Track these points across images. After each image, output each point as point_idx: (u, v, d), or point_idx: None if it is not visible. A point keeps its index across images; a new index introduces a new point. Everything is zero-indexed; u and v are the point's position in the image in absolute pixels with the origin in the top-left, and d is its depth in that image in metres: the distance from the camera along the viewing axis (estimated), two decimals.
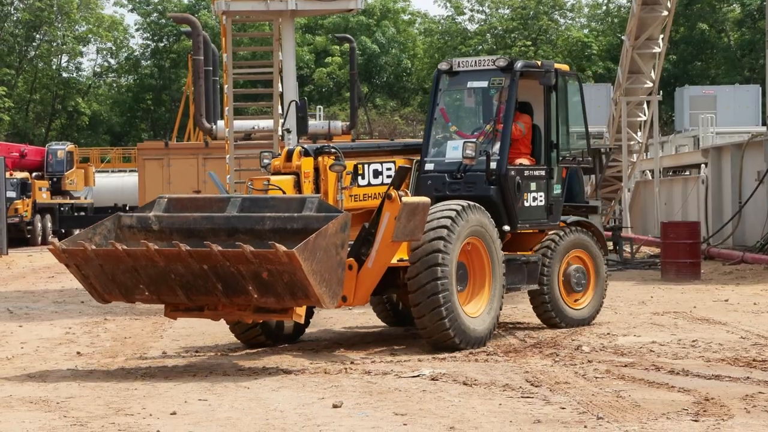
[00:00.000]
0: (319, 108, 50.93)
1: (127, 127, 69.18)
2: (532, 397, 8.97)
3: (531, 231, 13.11)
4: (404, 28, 67.69)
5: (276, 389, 9.57)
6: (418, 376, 10.08)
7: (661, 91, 28.52)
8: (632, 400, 8.78)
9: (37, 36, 65.25)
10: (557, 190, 13.32)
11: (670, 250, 20.14)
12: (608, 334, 12.70)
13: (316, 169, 11.97)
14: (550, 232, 13.26)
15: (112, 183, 46.06)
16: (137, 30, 69.69)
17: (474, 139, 12.56)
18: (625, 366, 10.43)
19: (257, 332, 12.03)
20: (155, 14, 67.32)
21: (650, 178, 30.95)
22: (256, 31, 41.44)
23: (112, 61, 70.88)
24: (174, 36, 65.51)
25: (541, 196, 13.02)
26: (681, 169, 34.64)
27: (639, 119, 28.48)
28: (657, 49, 26.70)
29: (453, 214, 11.56)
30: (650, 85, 27.37)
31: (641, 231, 28.64)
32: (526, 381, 9.70)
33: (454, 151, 12.78)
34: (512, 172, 12.66)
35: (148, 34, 68.72)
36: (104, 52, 70.36)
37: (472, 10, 66.51)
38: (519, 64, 12.84)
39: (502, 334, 12.79)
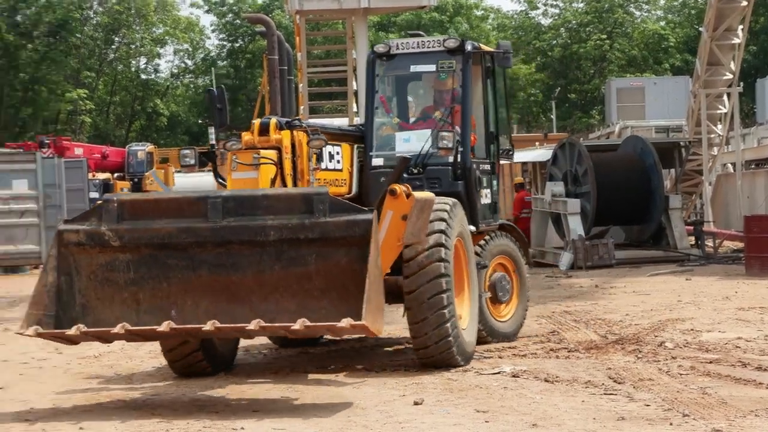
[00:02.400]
0: None
1: (204, 127, 69.84)
2: (616, 394, 8.87)
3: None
4: (477, 24, 67.40)
5: (357, 386, 9.58)
6: (498, 372, 10.03)
7: (741, 83, 28.03)
8: (719, 397, 8.64)
9: (116, 39, 66.12)
10: (496, 186, 12.28)
11: (755, 244, 19.79)
12: (692, 330, 12.51)
13: (293, 145, 10.38)
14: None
15: (191, 183, 46.34)
16: (213, 31, 70.41)
17: (449, 129, 11.21)
18: (711, 362, 10.26)
19: (198, 357, 10.25)
20: (230, 15, 67.83)
21: (732, 171, 30.47)
22: (329, 30, 41.63)
23: (189, 62, 71.58)
24: (249, 36, 65.96)
25: (488, 193, 11.94)
26: (764, 162, 34.03)
27: (719, 112, 28.03)
28: (736, 40, 26.25)
29: (445, 215, 10.31)
30: (730, 76, 26.92)
31: (724, 225, 28.18)
32: (609, 378, 9.59)
33: (406, 143, 11.70)
34: (474, 166, 11.50)
35: (224, 35, 69.26)
36: (181, 54, 71.08)
37: (545, 5, 66.11)
38: (471, 45, 11.71)
39: (579, 329, 12.68)
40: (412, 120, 12.20)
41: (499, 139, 12.21)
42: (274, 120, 10.32)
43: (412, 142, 11.61)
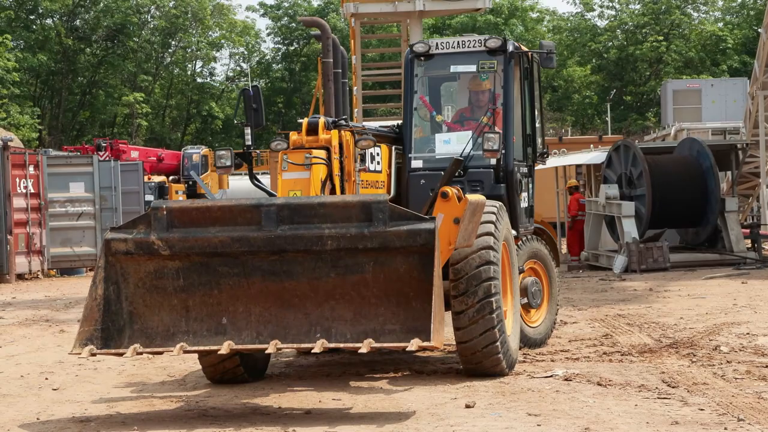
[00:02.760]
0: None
1: (258, 130, 70.10)
2: (669, 398, 8.79)
3: None
4: (533, 26, 67.16)
5: (408, 389, 9.57)
6: (551, 376, 9.97)
7: None
8: None
9: (173, 43, 66.68)
10: (532, 189, 11.98)
11: None
12: (748, 333, 12.38)
13: (340, 145, 10.08)
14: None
15: (245, 186, 46.62)
16: (268, 34, 70.72)
17: (497, 131, 10.78)
18: (766, 367, 10.13)
19: (239, 372, 9.94)
20: (286, 18, 68.21)
21: None
22: (384, 33, 41.65)
23: (245, 66, 72.01)
24: (304, 39, 66.27)
25: (526, 197, 11.67)
26: None
27: None
28: None
29: (494, 217, 10.03)
30: None
31: None
32: (663, 382, 9.51)
33: (446, 145, 11.32)
34: (515, 169, 11.19)
35: (279, 38, 69.66)
36: (237, 57, 71.57)
37: (601, 6, 65.66)
38: (512, 45, 11.35)
39: (631, 332, 12.59)
40: (455, 121, 11.83)
41: (536, 142, 11.98)
42: (322, 119, 10.07)
43: (453, 144, 11.29)
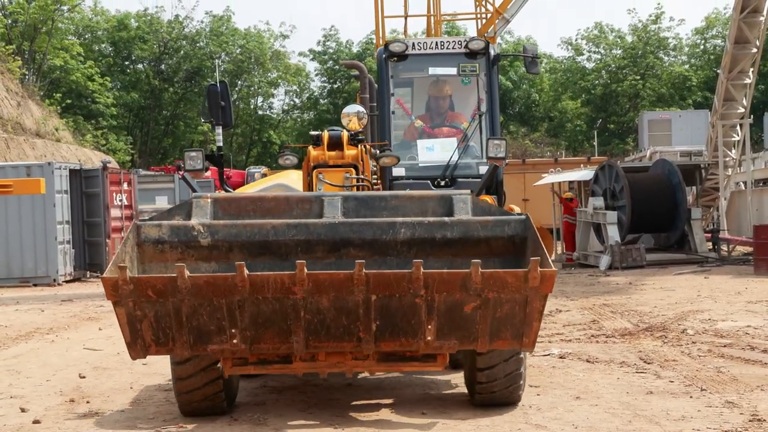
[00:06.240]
0: None
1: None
2: (645, 372, 8.77)
3: None
4: None
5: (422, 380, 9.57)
6: (548, 354, 9.96)
7: (751, 116, 27.48)
8: (731, 374, 8.50)
9: (239, 82, 67.05)
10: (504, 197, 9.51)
11: (762, 249, 19.44)
12: (709, 319, 12.31)
13: (362, 161, 7.76)
14: None
15: None
16: (316, 75, 70.81)
17: (502, 137, 8.10)
18: (725, 346, 10.09)
19: (220, 398, 6.96)
20: (330, 62, 68.38)
21: (744, 188, 29.86)
22: None
23: (297, 101, 72.23)
24: (345, 79, 66.38)
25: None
26: None
27: (733, 139, 27.52)
28: (748, 80, 25.76)
29: None
30: (742, 110, 26.42)
31: (736, 233, 27.63)
32: (640, 359, 9.48)
33: (429, 152, 8.92)
34: (500, 179, 8.77)
35: (325, 78, 69.81)
36: (291, 94, 71.72)
37: (589, 51, 65.51)
38: (493, 48, 8.91)
39: (616, 319, 12.54)
40: (433, 125, 9.42)
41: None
42: (345, 133, 7.66)
43: (437, 152, 8.91)
